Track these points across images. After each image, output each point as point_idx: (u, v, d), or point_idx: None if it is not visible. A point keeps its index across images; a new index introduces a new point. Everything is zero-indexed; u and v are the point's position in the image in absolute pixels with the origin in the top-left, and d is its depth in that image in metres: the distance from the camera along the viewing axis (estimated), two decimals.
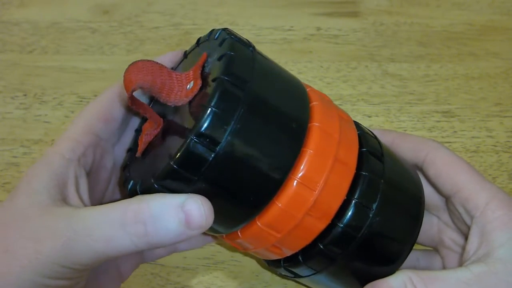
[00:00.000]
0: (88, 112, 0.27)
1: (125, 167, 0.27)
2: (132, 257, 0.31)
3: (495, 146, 0.43)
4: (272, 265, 0.31)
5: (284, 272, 0.30)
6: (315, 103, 0.27)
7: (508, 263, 0.26)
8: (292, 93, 0.26)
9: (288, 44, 0.50)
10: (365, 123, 0.44)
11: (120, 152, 0.30)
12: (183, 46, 0.51)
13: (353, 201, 0.26)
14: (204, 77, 0.25)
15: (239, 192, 0.24)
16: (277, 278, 0.37)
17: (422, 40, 0.50)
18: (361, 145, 0.28)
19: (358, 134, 0.29)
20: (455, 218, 0.31)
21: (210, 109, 0.22)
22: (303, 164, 0.25)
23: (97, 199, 0.29)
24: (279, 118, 0.25)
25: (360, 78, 0.47)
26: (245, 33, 0.51)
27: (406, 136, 0.33)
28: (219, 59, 0.24)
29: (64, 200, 0.24)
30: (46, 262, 0.22)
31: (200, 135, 0.22)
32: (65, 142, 0.26)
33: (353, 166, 0.27)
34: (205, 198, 0.23)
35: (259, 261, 0.38)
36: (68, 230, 0.22)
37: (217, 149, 0.22)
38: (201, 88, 0.24)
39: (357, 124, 0.30)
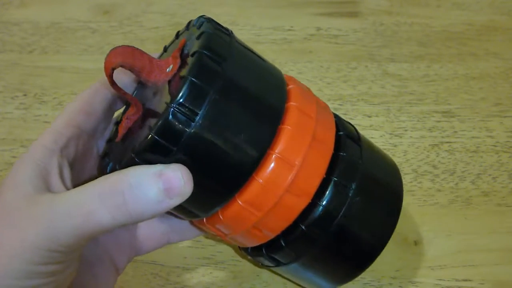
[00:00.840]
0: (70, 106, 0.28)
1: (104, 155, 0.28)
2: (126, 248, 0.31)
3: (495, 146, 0.43)
4: (253, 254, 0.31)
5: (265, 261, 0.30)
6: (292, 86, 0.27)
7: None
8: (269, 74, 0.27)
9: (288, 44, 0.50)
10: (365, 123, 0.44)
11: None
12: None
13: (332, 180, 0.27)
14: (183, 57, 0.25)
15: (218, 165, 0.24)
16: (277, 278, 0.37)
17: (422, 40, 0.50)
18: (338, 129, 0.29)
19: (335, 120, 0.29)
20: None
21: (189, 79, 0.22)
22: (281, 140, 0.25)
23: None
24: (257, 95, 0.25)
25: (360, 78, 0.47)
26: (245, 33, 0.51)
27: None
28: (198, 37, 0.24)
29: (48, 189, 0.24)
30: (32, 248, 0.22)
31: (179, 104, 0.22)
32: (48, 134, 0.26)
33: (331, 145, 0.27)
34: (183, 166, 0.23)
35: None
36: (49, 213, 0.22)
37: (196, 118, 0.22)
38: (179, 68, 0.25)
39: (334, 113, 0.31)
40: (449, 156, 0.42)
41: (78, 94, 0.29)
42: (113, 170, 0.25)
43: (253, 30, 0.51)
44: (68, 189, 0.25)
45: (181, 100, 0.22)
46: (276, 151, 0.25)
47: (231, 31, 0.27)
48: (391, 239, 0.38)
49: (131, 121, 0.27)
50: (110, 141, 0.29)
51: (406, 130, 0.44)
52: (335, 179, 0.27)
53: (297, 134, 0.25)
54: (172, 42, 0.29)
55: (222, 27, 0.26)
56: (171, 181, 0.23)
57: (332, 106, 0.45)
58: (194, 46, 0.24)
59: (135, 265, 0.38)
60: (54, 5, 0.55)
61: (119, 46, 0.25)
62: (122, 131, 0.27)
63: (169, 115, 0.22)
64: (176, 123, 0.22)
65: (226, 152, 0.24)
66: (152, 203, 0.23)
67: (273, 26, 0.52)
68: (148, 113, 0.26)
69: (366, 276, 0.37)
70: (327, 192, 0.27)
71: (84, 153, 0.28)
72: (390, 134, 0.44)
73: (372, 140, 0.44)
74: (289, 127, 0.25)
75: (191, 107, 0.22)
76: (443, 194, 0.40)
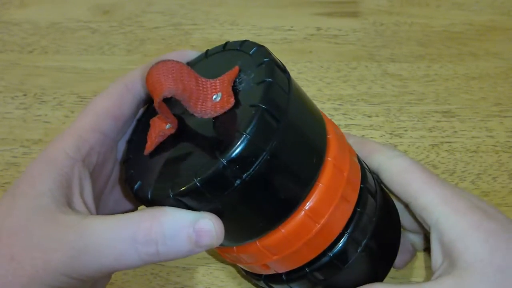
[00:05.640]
0: (97, 107, 0.26)
1: (125, 161, 0.27)
2: None
3: (495, 146, 0.43)
4: (252, 276, 0.32)
5: (260, 283, 0.31)
6: (330, 136, 0.27)
7: (473, 273, 0.26)
8: (315, 125, 0.26)
9: (288, 44, 0.50)
10: (365, 123, 0.44)
11: (122, 146, 0.29)
12: (183, 46, 0.51)
13: (346, 235, 0.27)
14: (235, 93, 0.24)
15: (251, 217, 0.25)
16: None
17: (422, 40, 0.50)
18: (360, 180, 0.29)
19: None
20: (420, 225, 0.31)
21: (245, 136, 0.22)
22: (313, 197, 0.25)
23: (96, 195, 0.28)
24: (303, 152, 0.25)
25: (360, 78, 0.47)
26: (245, 33, 0.51)
27: (364, 142, 0.33)
28: (259, 83, 0.24)
29: (68, 203, 0.23)
30: (54, 273, 0.22)
31: (231, 160, 0.21)
32: (70, 138, 0.24)
33: (353, 203, 0.28)
34: (217, 217, 0.23)
35: None
36: (78, 244, 0.22)
37: (244, 176, 0.22)
38: (232, 108, 0.24)
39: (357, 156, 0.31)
40: (449, 156, 0.42)
41: (105, 91, 0.26)
42: (141, 190, 0.24)
43: (253, 30, 0.51)
44: (87, 205, 0.25)
45: (233, 156, 0.21)
46: (306, 208, 0.25)
47: (288, 71, 0.26)
48: None
49: (163, 137, 0.26)
50: (131, 141, 0.28)
51: (406, 130, 0.44)
52: (348, 234, 0.27)
53: (328, 192, 0.26)
54: (217, 51, 0.28)
55: (280, 66, 0.25)
56: (203, 233, 0.23)
57: (332, 106, 0.46)
58: (254, 93, 0.23)
59: None
60: (54, 5, 0.55)
61: (167, 61, 0.24)
62: (152, 145, 0.26)
63: (219, 169, 0.21)
64: (224, 177, 0.22)
65: (262, 206, 0.24)
66: (182, 253, 0.23)
67: (273, 26, 0.52)
68: (186, 137, 0.25)
69: None
70: (339, 245, 0.27)
71: (104, 158, 0.27)
72: (390, 134, 0.44)
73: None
74: (322, 185, 0.25)
75: (242, 164, 0.22)
76: None
